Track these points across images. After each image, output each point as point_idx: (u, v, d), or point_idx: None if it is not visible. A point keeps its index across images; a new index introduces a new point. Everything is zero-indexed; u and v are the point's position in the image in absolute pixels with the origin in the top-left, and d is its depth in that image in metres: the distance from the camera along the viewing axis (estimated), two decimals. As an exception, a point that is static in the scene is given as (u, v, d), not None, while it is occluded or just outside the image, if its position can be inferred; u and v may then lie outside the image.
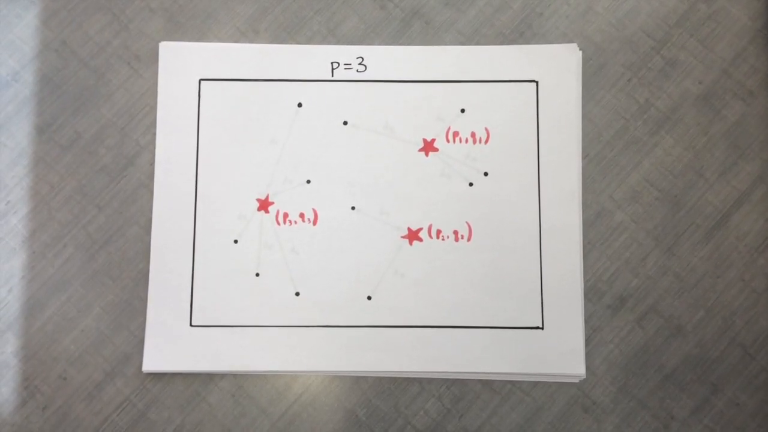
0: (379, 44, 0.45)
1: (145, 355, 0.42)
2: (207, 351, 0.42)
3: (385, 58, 0.44)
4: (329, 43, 0.45)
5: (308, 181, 0.44)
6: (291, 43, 0.45)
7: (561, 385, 0.42)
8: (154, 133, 0.44)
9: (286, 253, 0.43)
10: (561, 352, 0.42)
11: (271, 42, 0.45)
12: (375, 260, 0.43)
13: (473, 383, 0.42)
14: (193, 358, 0.42)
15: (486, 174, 0.43)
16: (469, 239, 0.43)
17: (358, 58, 0.44)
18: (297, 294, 0.42)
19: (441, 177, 0.43)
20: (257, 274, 0.43)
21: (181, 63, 0.44)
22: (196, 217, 0.43)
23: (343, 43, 0.45)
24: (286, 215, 0.43)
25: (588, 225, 0.43)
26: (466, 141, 0.44)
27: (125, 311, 0.43)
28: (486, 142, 0.44)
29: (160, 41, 0.45)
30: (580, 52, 0.44)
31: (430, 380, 0.42)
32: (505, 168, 0.43)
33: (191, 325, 0.42)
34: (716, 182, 0.44)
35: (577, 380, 0.42)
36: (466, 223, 0.43)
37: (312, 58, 0.44)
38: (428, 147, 0.44)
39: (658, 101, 0.44)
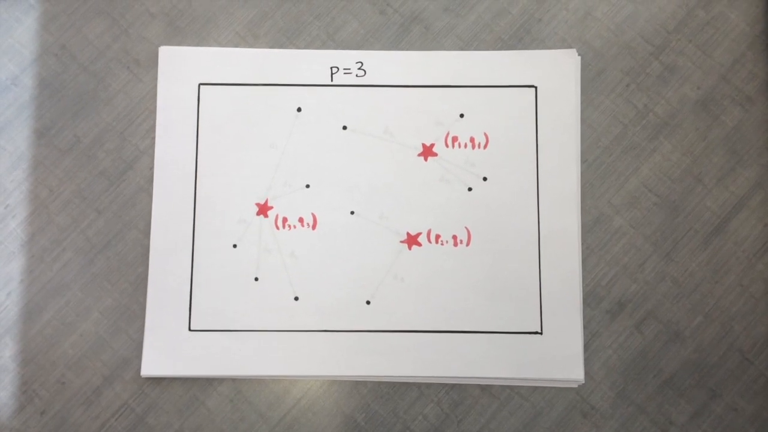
0: (379, 49, 0.45)
1: (143, 359, 0.42)
2: (206, 355, 0.42)
3: (385, 63, 0.44)
4: (329, 47, 0.45)
5: (307, 186, 0.44)
6: (290, 48, 0.45)
7: (560, 390, 0.42)
8: (154, 138, 0.44)
9: (285, 257, 0.43)
10: (560, 357, 0.42)
11: (271, 47, 0.45)
12: (374, 265, 0.43)
13: (472, 388, 0.42)
14: (191, 362, 0.42)
15: (485, 179, 0.43)
16: (468, 244, 0.43)
17: (357, 63, 0.44)
18: (296, 298, 0.42)
19: (440, 182, 0.43)
20: (256, 279, 0.43)
21: (180, 67, 0.44)
22: (195, 221, 0.43)
23: (342, 48, 0.45)
24: (285, 220, 0.43)
25: (587, 230, 0.43)
26: (466, 146, 0.44)
27: (124, 315, 0.43)
28: (485, 147, 0.44)
29: (159, 45, 0.45)
30: (579, 57, 0.44)
31: (429, 385, 0.42)
32: (504, 173, 0.43)
33: (190, 329, 0.42)
34: (714, 188, 0.44)
35: (575, 385, 0.42)
36: (465, 228, 0.43)
37: (311, 62, 0.44)
38: (427, 152, 0.44)
39: (657, 107, 0.44)
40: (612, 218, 0.44)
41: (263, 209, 0.43)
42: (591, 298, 0.43)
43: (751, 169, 0.44)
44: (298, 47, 0.45)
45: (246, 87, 0.44)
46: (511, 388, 0.42)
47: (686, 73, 0.45)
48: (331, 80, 0.44)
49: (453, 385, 0.42)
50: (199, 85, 0.44)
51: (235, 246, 0.43)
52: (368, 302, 0.42)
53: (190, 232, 0.43)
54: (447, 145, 0.44)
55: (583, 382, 0.42)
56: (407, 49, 0.45)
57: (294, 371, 0.42)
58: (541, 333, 0.42)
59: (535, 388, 0.42)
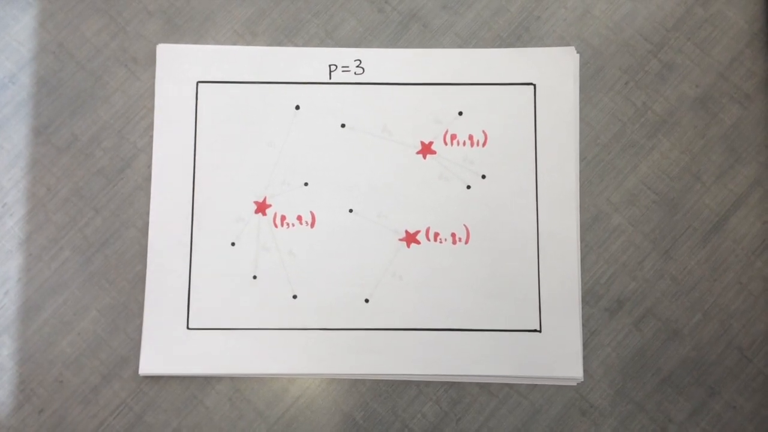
0: (377, 47, 0.45)
1: (141, 358, 0.42)
2: (204, 354, 0.42)
3: (383, 61, 0.44)
4: (327, 45, 0.45)
5: (306, 184, 0.43)
6: (289, 46, 0.45)
7: (558, 388, 0.42)
8: (151, 136, 0.44)
9: (284, 255, 0.43)
10: (558, 355, 0.42)
11: (269, 44, 0.45)
12: (373, 263, 0.43)
13: (471, 386, 0.42)
14: (190, 361, 0.42)
15: (484, 177, 0.43)
16: (466, 242, 0.43)
17: (355, 60, 0.44)
18: (294, 297, 0.42)
19: (439, 180, 0.43)
20: (255, 277, 0.43)
21: (178, 65, 0.44)
22: (193, 220, 0.43)
23: (340, 46, 0.45)
24: (283, 218, 0.43)
25: (585, 228, 0.43)
26: (464, 144, 0.44)
27: (122, 314, 0.42)
28: (484, 144, 0.44)
29: (157, 43, 0.45)
30: (578, 55, 0.44)
31: (428, 383, 0.42)
32: (502, 171, 0.43)
33: (188, 328, 0.42)
34: (713, 185, 0.44)
35: (574, 383, 0.42)
36: (464, 225, 0.43)
37: (310, 60, 0.44)
38: (426, 150, 0.44)
39: (655, 104, 0.44)
40: (611, 216, 0.43)
41: (261, 207, 0.43)
42: (590, 296, 0.43)
43: (749, 166, 0.44)
44: (296, 45, 0.45)
45: (244, 85, 0.44)
46: (509, 386, 0.42)
47: (685, 71, 0.45)
48: (330, 78, 0.44)
49: (452, 383, 0.42)
50: (197, 83, 0.44)
51: (233, 244, 0.43)
52: (367, 300, 0.42)
53: (188, 231, 0.43)
54: (446, 143, 0.44)
55: (582, 380, 0.42)
56: (406, 47, 0.45)
57: (292, 369, 0.42)
58: (539, 331, 0.42)
59: (534, 386, 0.42)
